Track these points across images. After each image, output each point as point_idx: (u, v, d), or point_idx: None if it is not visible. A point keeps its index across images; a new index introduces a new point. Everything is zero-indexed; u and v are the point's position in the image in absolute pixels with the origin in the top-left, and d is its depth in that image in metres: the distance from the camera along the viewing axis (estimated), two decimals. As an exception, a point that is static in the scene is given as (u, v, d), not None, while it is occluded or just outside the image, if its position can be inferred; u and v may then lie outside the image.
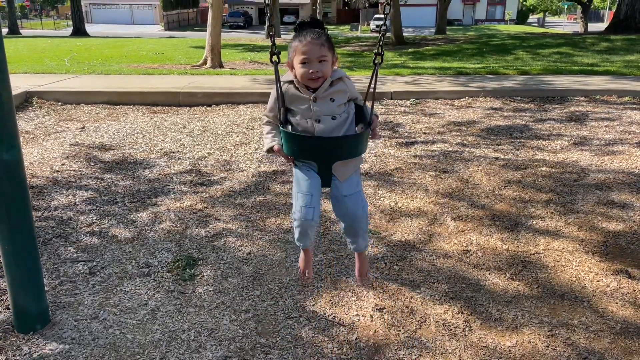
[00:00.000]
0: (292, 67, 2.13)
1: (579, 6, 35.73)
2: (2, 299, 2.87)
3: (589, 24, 33.53)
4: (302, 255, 2.53)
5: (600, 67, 12.58)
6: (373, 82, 2.12)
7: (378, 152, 5.75)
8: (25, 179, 2.52)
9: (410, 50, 20.27)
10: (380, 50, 2.13)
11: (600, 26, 39.31)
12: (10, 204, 2.45)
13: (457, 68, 12.67)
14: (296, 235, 2.32)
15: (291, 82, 2.13)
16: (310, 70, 2.04)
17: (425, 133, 6.67)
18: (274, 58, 2.11)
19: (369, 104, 2.21)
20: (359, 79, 10.12)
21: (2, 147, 2.34)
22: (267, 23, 2.16)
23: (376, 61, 2.13)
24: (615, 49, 17.13)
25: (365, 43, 24.76)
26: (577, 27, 35.94)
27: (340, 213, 2.25)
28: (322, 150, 2.09)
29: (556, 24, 63.97)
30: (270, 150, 2.23)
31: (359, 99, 2.24)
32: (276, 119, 2.20)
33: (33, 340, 2.55)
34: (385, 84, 9.62)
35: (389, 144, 6.12)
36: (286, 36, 32.33)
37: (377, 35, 35.32)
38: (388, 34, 30.53)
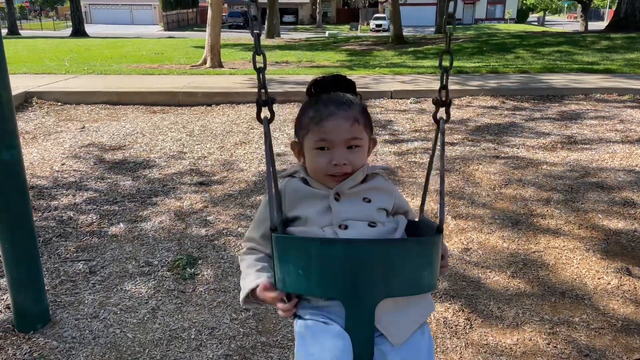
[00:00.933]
0: (299, 153, 1.35)
1: (579, 5, 35.72)
2: (3, 299, 2.87)
3: (589, 23, 33.53)
4: None
5: (601, 65, 12.57)
6: (438, 155, 1.30)
7: (379, 150, 5.75)
8: (26, 179, 2.52)
9: (410, 49, 20.25)
10: (445, 97, 1.31)
11: (601, 25, 39.29)
12: (10, 204, 2.45)
13: (457, 67, 12.67)
14: None
15: (295, 174, 1.34)
16: (335, 162, 1.24)
17: (425, 131, 6.66)
18: (264, 113, 1.20)
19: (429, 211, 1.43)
20: (361, 78, 10.13)
21: (2, 147, 2.34)
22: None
23: (439, 117, 1.31)
24: (616, 47, 17.13)
25: (365, 42, 24.76)
26: (578, 26, 35.94)
27: None
28: (357, 267, 1.10)
29: (556, 22, 63.98)
30: (247, 299, 1.28)
31: (411, 213, 1.40)
32: (267, 242, 1.26)
33: (34, 339, 2.55)
34: (385, 83, 9.61)
35: (389, 142, 6.12)
36: (285, 36, 32.32)
37: (377, 35, 35.22)
38: (388, 34, 30.52)
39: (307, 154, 1.30)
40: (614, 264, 3.28)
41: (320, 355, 1.11)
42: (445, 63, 1.27)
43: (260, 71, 1.19)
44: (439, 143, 1.27)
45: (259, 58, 1.20)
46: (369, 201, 1.28)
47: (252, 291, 1.25)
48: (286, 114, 7.47)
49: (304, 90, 1.37)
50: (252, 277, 1.27)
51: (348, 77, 1.34)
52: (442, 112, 1.28)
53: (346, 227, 1.22)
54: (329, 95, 1.29)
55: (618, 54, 15.45)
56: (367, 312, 1.10)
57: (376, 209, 1.28)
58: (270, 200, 1.21)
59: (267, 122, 1.18)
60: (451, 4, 1.32)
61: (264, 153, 5.67)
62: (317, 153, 1.26)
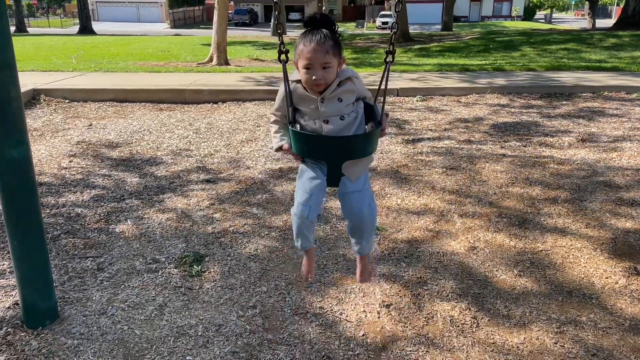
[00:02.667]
0: (297, 67, 2.07)
1: (587, 2, 35.45)
2: (12, 295, 2.89)
3: (596, 20, 33.27)
4: (304, 258, 2.42)
5: (608, 63, 12.49)
6: (384, 81, 2.04)
7: (385, 148, 5.74)
8: (34, 176, 2.54)
9: (416, 46, 20.19)
10: (391, 48, 2.05)
11: (608, 22, 38.99)
12: (19, 200, 2.46)
13: (464, 65, 12.62)
14: (294, 234, 2.27)
15: (299, 81, 2.06)
16: (314, 77, 1.96)
17: (432, 130, 6.65)
18: (282, 57, 2.04)
19: (379, 102, 2.16)
20: (366, 76, 10.11)
21: (11, 144, 2.35)
22: (273, 21, 2.09)
23: (387, 59, 2.05)
24: (623, 45, 17.01)
25: (371, 40, 24.70)
26: (585, 24, 35.68)
27: (346, 211, 2.18)
28: (332, 150, 2.05)
29: (564, 20, 63.53)
30: (279, 149, 2.18)
31: (368, 98, 2.18)
32: (284, 118, 2.15)
33: (42, 335, 2.56)
34: (392, 81, 9.55)
35: (395, 140, 6.11)
36: (292, 34, 32.32)
37: (383, 32, 35.32)
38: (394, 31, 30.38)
39: (299, 70, 2.01)
40: (622, 264, 3.26)
41: (307, 177, 2.10)
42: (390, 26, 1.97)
43: (280, 36, 2.03)
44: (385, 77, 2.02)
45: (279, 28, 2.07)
46: (341, 100, 2.04)
47: (279, 147, 2.16)
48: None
49: None
50: (277, 139, 2.19)
51: (330, 16, 2.05)
52: (389, 57, 2.05)
53: (327, 122, 2.04)
54: (312, 33, 1.97)
55: (626, 52, 15.33)
56: (337, 166, 2.07)
57: (344, 105, 2.05)
58: (287, 97, 2.07)
59: (284, 63, 2.03)
60: (398, 4, 2.08)
61: (269, 151, 5.69)
62: (305, 72, 1.98)
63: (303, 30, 2.03)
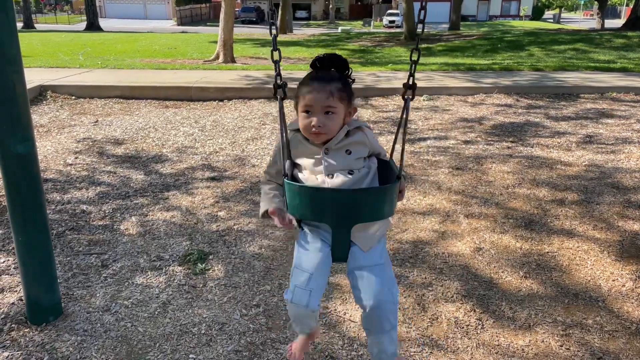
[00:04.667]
0: (297, 112, 1.72)
1: (596, 2, 35.22)
2: (16, 291, 2.89)
3: (605, 21, 33.04)
4: (299, 338, 1.95)
5: (617, 64, 12.39)
6: (402, 126, 1.70)
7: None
8: (40, 172, 2.54)
9: (423, 45, 20.12)
10: (411, 82, 1.70)
11: (618, 22, 38.72)
12: (24, 196, 2.46)
13: (470, 64, 12.56)
14: (290, 319, 1.86)
15: (298, 130, 1.71)
16: (312, 122, 1.62)
17: (438, 129, 6.61)
18: (279, 92, 1.66)
19: (395, 150, 1.82)
20: (372, 75, 10.08)
21: (17, 140, 2.35)
22: (270, 27, 1.63)
23: (406, 96, 1.70)
24: (632, 45, 16.88)
25: (377, 38, 24.64)
26: (594, 24, 35.46)
27: (358, 293, 1.71)
28: (337, 208, 1.63)
29: (572, 20, 63.17)
30: (264, 215, 1.75)
31: (383, 154, 1.82)
32: (279, 176, 1.75)
33: (46, 331, 2.57)
34: (397, 80, 9.55)
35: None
36: (297, 31, 32.27)
37: (389, 31, 34.99)
38: (401, 30, 30.29)
39: (299, 116, 1.67)
40: (629, 267, 3.23)
41: (306, 252, 1.72)
42: (414, 57, 1.68)
43: (276, 63, 1.67)
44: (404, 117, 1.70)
45: (275, 54, 1.67)
46: (350, 153, 1.69)
47: (265, 211, 1.74)
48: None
49: None
50: (266, 201, 1.76)
51: (342, 57, 1.72)
52: (408, 93, 1.71)
53: (332, 176, 1.67)
54: (317, 73, 1.67)
55: (635, 53, 15.22)
56: (345, 231, 1.66)
57: (354, 158, 1.69)
58: (283, 149, 1.69)
59: (281, 100, 1.66)
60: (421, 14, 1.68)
61: (275, 149, 5.67)
62: (303, 116, 1.65)
63: (308, 73, 1.72)
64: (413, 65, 1.70)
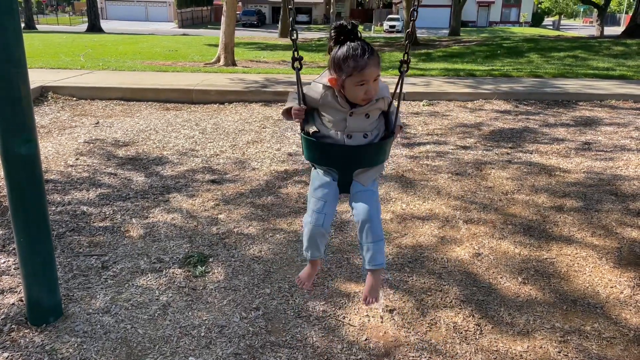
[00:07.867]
0: (337, 83, 1.91)
1: (595, 9, 35.37)
2: (16, 291, 2.90)
3: (605, 28, 33.16)
4: (308, 266, 2.33)
5: (616, 71, 12.44)
6: (399, 91, 1.99)
7: (390, 153, 5.73)
8: (42, 173, 2.55)
9: (423, 51, 20.19)
10: (406, 58, 1.98)
11: (617, 30, 38.87)
12: (26, 197, 2.47)
13: (470, 70, 12.60)
14: (304, 244, 2.21)
15: (330, 87, 1.94)
16: (368, 92, 1.88)
17: (437, 134, 6.64)
18: (296, 64, 1.95)
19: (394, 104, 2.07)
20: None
21: (20, 141, 2.36)
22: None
23: (402, 69, 1.98)
24: (631, 53, 16.94)
25: (377, 43, 24.70)
26: (593, 31, 35.59)
27: (355, 208, 2.11)
28: (345, 159, 2.02)
29: (572, 27, 63.36)
30: (286, 113, 2.03)
31: (391, 104, 2.08)
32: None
33: (46, 332, 2.57)
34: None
35: (401, 145, 6.10)
36: (300, 35, 32.34)
37: (390, 35, 35.23)
38: (401, 35, 30.35)
39: (348, 87, 1.88)
40: (628, 273, 3.25)
41: (320, 186, 2.08)
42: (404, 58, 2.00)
43: (294, 41, 1.95)
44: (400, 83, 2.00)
45: (294, 33, 1.98)
46: (368, 117, 1.97)
47: (288, 110, 2.01)
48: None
49: None
50: (290, 102, 2.02)
51: (355, 24, 1.91)
52: (404, 66, 1.99)
53: (350, 137, 1.97)
54: (362, 48, 1.85)
55: (634, 60, 15.28)
56: (349, 173, 2.06)
57: (370, 122, 1.99)
58: (299, 102, 1.97)
59: (298, 71, 1.97)
60: (414, 12, 2.02)
61: (275, 152, 5.70)
62: (357, 88, 1.87)
63: (331, 36, 1.92)
64: (408, 44, 2.07)
